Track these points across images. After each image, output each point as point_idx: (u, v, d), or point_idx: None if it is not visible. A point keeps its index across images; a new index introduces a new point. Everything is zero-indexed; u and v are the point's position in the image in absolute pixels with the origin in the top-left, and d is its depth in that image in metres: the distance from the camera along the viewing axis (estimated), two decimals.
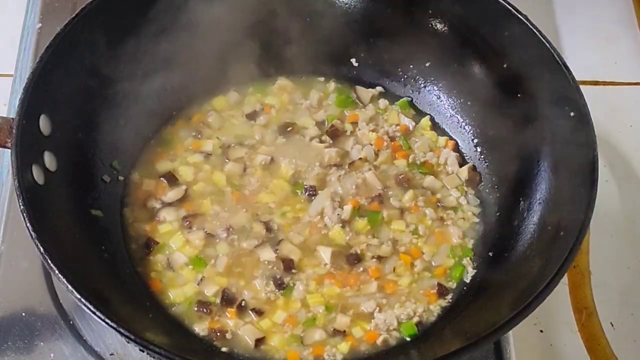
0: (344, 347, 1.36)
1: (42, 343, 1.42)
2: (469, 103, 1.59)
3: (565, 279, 1.59)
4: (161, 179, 1.52)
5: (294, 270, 1.42)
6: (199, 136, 1.58)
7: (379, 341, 1.36)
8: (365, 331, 1.37)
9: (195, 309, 1.39)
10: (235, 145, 1.56)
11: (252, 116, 1.61)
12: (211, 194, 1.51)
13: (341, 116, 1.62)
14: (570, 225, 1.29)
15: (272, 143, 1.57)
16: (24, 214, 1.22)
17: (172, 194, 1.50)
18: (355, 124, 1.61)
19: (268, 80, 1.65)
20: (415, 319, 1.39)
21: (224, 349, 1.35)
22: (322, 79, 1.66)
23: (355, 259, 1.43)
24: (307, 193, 1.50)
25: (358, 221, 1.47)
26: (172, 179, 1.52)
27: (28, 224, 1.21)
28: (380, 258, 1.44)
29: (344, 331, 1.37)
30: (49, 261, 1.19)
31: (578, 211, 1.28)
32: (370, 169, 1.54)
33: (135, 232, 1.47)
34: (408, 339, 1.37)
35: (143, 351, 1.19)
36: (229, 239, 1.45)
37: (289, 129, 1.58)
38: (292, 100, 1.64)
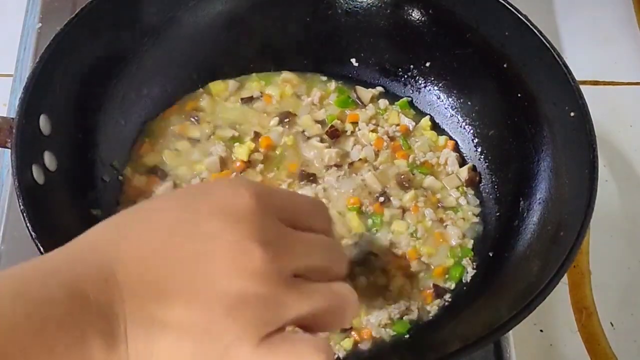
0: (347, 343, 1.35)
1: None
2: (469, 103, 1.59)
3: (565, 279, 1.59)
4: (151, 173, 1.48)
5: None
6: (196, 120, 1.54)
7: (378, 339, 1.35)
8: (363, 329, 1.37)
9: None
10: (227, 128, 1.53)
11: (247, 101, 1.58)
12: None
13: (341, 116, 1.61)
14: (570, 225, 1.28)
15: (268, 128, 1.55)
16: (24, 214, 1.22)
17: (162, 189, 1.46)
18: (355, 124, 1.60)
19: (272, 72, 1.64)
20: (414, 319, 1.38)
21: None
22: (324, 77, 1.66)
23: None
24: (303, 181, 1.48)
25: (356, 223, 1.46)
26: (161, 172, 1.48)
27: (28, 224, 1.21)
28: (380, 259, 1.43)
29: (350, 327, 1.36)
30: None
31: (578, 211, 1.28)
32: (369, 170, 1.54)
33: None
34: (406, 338, 1.37)
35: None
36: None
37: (286, 120, 1.56)
38: (295, 94, 1.62)
